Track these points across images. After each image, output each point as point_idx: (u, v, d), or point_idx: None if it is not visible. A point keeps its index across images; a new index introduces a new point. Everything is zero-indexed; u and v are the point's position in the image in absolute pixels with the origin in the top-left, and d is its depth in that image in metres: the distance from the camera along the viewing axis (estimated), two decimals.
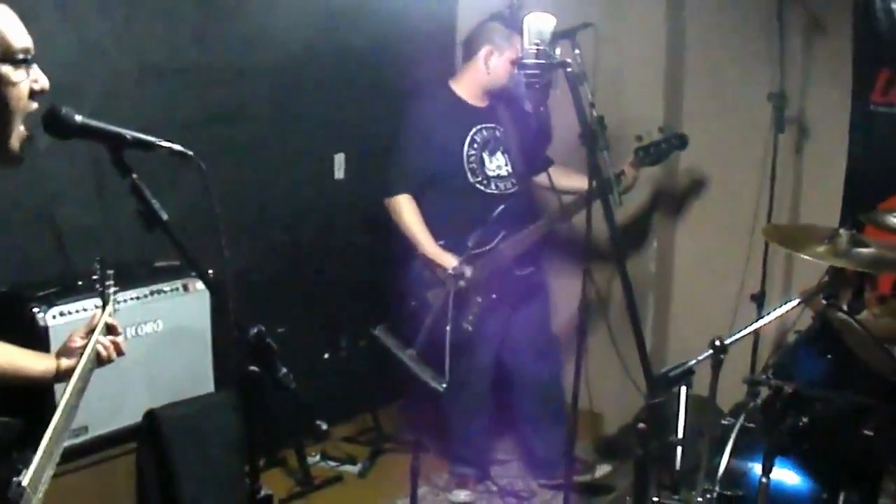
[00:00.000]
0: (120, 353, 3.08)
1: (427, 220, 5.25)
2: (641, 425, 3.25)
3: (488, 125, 5.34)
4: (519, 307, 5.43)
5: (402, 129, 5.40)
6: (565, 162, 5.53)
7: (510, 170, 5.35)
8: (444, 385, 3.80)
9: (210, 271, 2.80)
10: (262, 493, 2.71)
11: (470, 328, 5.13)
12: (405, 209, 5.24)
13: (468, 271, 5.01)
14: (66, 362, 3.01)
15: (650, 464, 3.89)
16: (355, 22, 5.82)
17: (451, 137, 5.25)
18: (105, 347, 3.02)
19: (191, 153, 2.52)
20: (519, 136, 5.35)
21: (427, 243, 5.18)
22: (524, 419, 5.67)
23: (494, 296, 5.19)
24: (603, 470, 5.56)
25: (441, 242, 5.16)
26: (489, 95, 5.34)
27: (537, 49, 3.70)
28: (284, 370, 2.64)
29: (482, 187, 5.28)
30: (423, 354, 3.92)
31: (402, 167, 5.31)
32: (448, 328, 4.10)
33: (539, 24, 3.75)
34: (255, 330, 2.60)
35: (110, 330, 3.07)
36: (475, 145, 5.26)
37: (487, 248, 5.15)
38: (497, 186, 5.31)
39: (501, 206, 5.10)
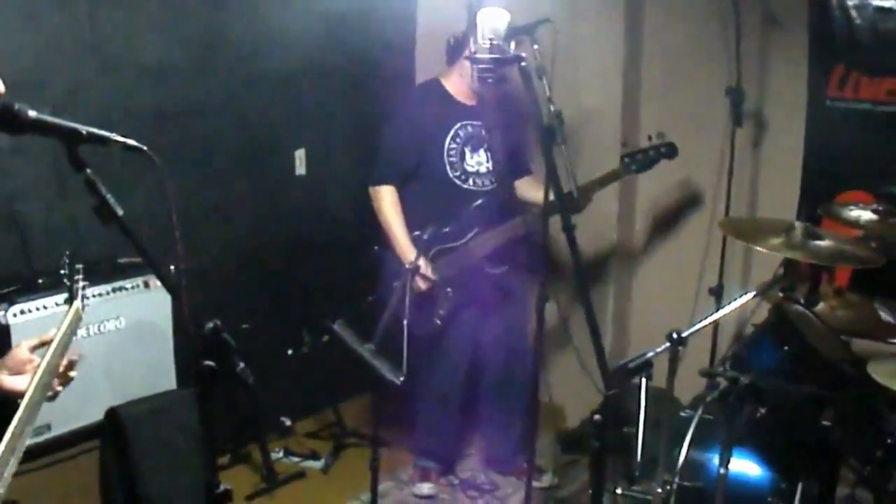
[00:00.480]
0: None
1: (404, 211, 5.27)
2: (597, 417, 3.27)
3: (474, 122, 5.34)
4: (493, 307, 5.43)
5: (390, 118, 5.43)
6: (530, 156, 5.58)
7: (490, 167, 5.37)
8: (402, 378, 3.82)
9: (172, 267, 2.78)
10: (221, 488, 2.71)
11: (440, 322, 5.18)
12: (386, 200, 5.25)
13: (426, 267, 5.03)
14: (8, 380, 2.99)
15: (609, 455, 3.93)
16: (315, 20, 5.82)
17: (435, 130, 5.26)
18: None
19: (145, 148, 2.52)
20: (502, 136, 5.37)
21: (401, 237, 5.19)
22: (490, 418, 5.69)
23: (459, 291, 5.21)
24: (546, 480, 5.58)
25: (417, 233, 5.17)
26: (479, 95, 5.35)
27: (491, 44, 3.72)
28: (242, 365, 2.64)
29: (459, 182, 5.29)
30: (391, 347, 3.94)
31: (387, 157, 5.32)
32: (405, 322, 4.11)
33: (493, 19, 3.77)
34: (211, 325, 2.57)
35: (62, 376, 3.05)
36: (457, 140, 5.27)
37: (458, 243, 5.18)
38: (475, 183, 5.32)
39: (478, 202, 5.14)
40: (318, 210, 6.05)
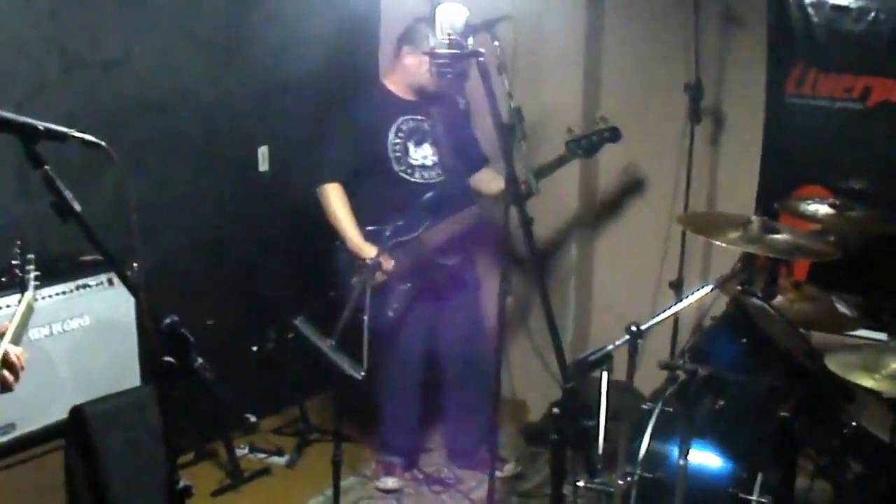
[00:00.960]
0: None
1: (355, 208, 5.31)
2: (556, 410, 3.30)
3: (416, 117, 5.38)
4: (448, 298, 5.48)
5: (331, 119, 5.47)
6: (489, 152, 5.61)
7: (435, 160, 5.41)
8: (363, 373, 3.85)
9: (135, 264, 2.79)
10: (181, 484, 2.72)
11: (393, 314, 5.24)
12: (332, 198, 5.29)
13: (387, 263, 5.07)
14: None
15: (571, 448, 3.96)
16: (279, 16, 5.84)
17: (377, 126, 5.30)
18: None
19: (103, 143, 2.53)
20: (447, 130, 5.41)
21: (351, 233, 5.23)
22: (450, 411, 5.73)
23: (416, 283, 5.25)
24: (509, 470, 5.63)
25: (370, 228, 5.20)
26: (420, 91, 5.39)
27: (450, 39, 3.74)
28: (200, 360, 2.64)
29: (406, 176, 5.33)
30: (348, 344, 3.97)
31: (330, 156, 5.35)
32: (366, 318, 4.13)
33: (451, 14, 3.80)
34: (169, 320, 2.58)
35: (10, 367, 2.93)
36: (400, 135, 5.31)
37: (410, 236, 5.22)
38: (422, 175, 5.37)
39: (429, 194, 5.17)
40: (282, 206, 6.06)
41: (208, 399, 3.02)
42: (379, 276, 5.02)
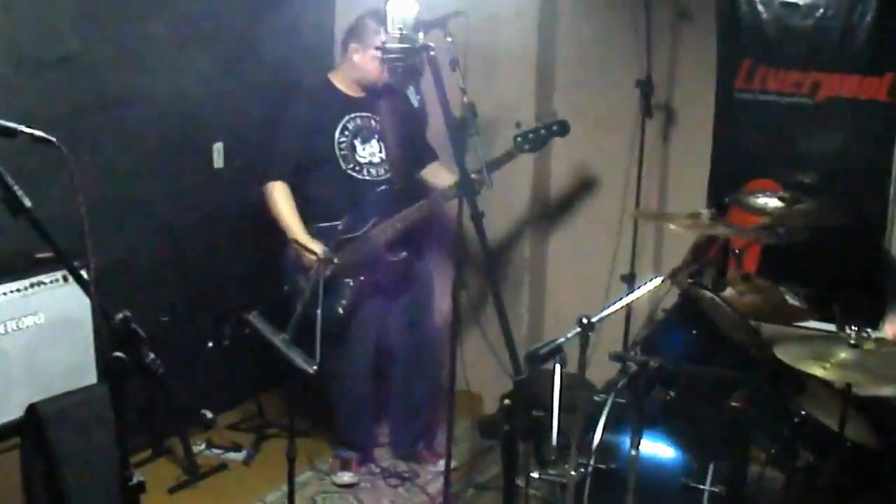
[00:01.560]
0: None
1: (304, 206, 5.34)
2: (507, 402, 3.33)
3: (363, 114, 5.41)
4: (398, 294, 5.50)
5: (279, 118, 5.48)
6: (442, 147, 5.62)
7: (383, 157, 5.44)
8: (315, 367, 3.87)
9: (90, 263, 2.79)
10: (135, 479, 2.73)
11: (342, 311, 5.26)
12: (277, 196, 5.32)
13: (335, 258, 5.09)
14: None
15: (526, 440, 4.01)
16: (233, 12, 5.84)
17: (323, 125, 5.33)
18: None
19: (53, 139, 2.54)
20: (394, 126, 5.43)
21: (297, 230, 5.26)
22: (395, 404, 5.75)
23: (364, 279, 5.28)
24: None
25: (321, 225, 5.23)
26: (367, 87, 5.42)
27: (401, 34, 3.77)
28: (152, 356, 2.64)
29: (354, 173, 5.36)
30: (302, 339, 3.99)
31: (275, 155, 5.40)
32: (318, 313, 4.15)
33: (402, 9, 3.82)
34: (121, 316, 2.59)
35: None
36: (346, 132, 5.34)
37: (358, 233, 5.24)
38: (370, 173, 5.39)
39: (380, 188, 5.20)
40: (237, 203, 6.05)
41: (162, 395, 3.03)
42: (327, 273, 5.05)
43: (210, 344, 5.65)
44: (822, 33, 5.43)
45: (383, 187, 5.28)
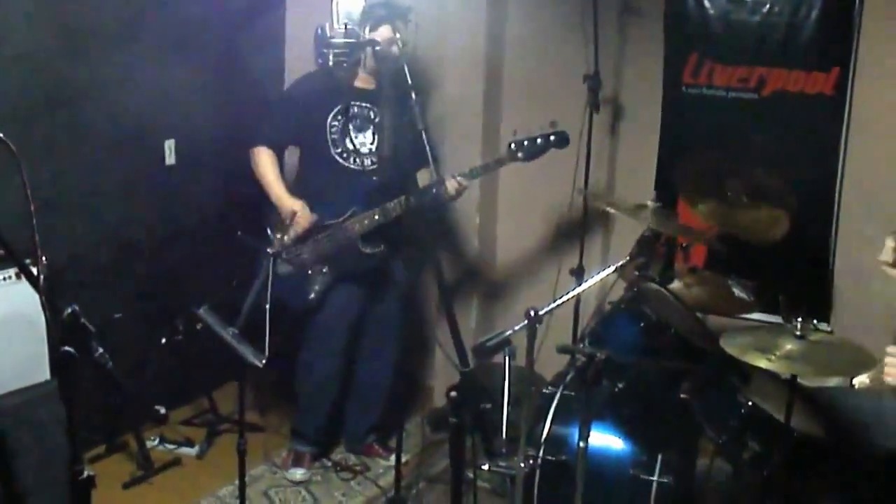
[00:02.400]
0: None
1: (292, 185, 5.33)
2: (453, 394, 3.35)
3: (363, 104, 5.33)
4: (370, 289, 5.45)
5: (284, 91, 5.54)
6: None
7: (372, 149, 5.36)
8: (263, 361, 3.88)
9: (44, 258, 2.80)
10: (85, 474, 2.74)
11: (314, 296, 5.21)
12: (261, 160, 5.29)
13: (303, 209, 5.12)
14: None
15: (477, 433, 4.03)
16: (185, 9, 5.82)
17: (318, 106, 5.27)
18: None
19: (2, 137, 2.55)
20: (393, 122, 5.32)
21: (277, 189, 5.23)
22: (353, 395, 5.74)
23: (332, 268, 5.22)
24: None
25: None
26: (379, 80, 5.31)
27: (346, 28, 3.76)
28: (101, 350, 2.65)
29: (341, 160, 5.28)
30: (259, 331, 3.99)
31: (265, 121, 5.39)
32: (268, 306, 4.14)
33: (347, 4, 3.82)
34: (69, 310, 2.60)
35: None
36: (339, 118, 5.27)
37: (335, 221, 5.20)
38: (356, 161, 5.29)
39: (365, 179, 5.18)
40: (189, 199, 6.04)
41: (112, 389, 3.03)
42: (300, 220, 5.06)
43: (163, 340, 5.64)
44: (769, 28, 5.50)
45: (370, 178, 5.23)
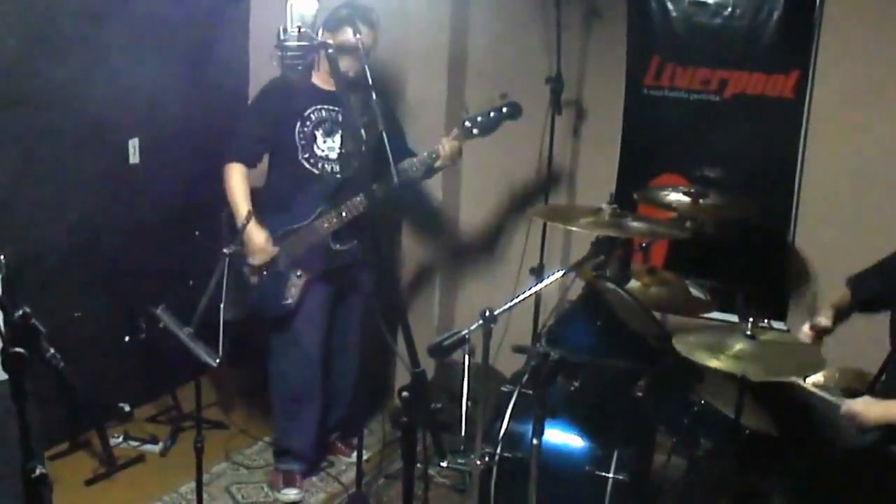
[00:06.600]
0: None
1: (260, 191, 5.32)
2: (405, 394, 3.38)
3: (329, 107, 5.29)
4: (346, 287, 5.43)
5: (251, 102, 5.51)
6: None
7: (342, 152, 5.32)
8: (218, 360, 3.91)
9: (2, 257, 2.82)
10: (38, 472, 2.76)
11: (290, 301, 5.19)
12: (232, 177, 5.23)
13: (259, 233, 5.11)
14: None
15: (436, 431, 4.07)
16: (149, 7, 5.83)
17: (287, 112, 5.23)
18: None
19: None
20: (356, 120, 5.27)
21: (243, 210, 5.11)
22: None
23: (306, 271, 5.20)
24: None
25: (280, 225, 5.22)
26: (339, 81, 5.25)
27: (299, 31, 3.77)
28: (52, 351, 2.67)
29: (309, 165, 5.24)
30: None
31: (236, 135, 5.34)
32: (222, 305, 4.16)
33: (301, 6, 3.82)
34: (21, 312, 2.61)
35: None
36: (308, 123, 5.24)
37: (304, 223, 5.19)
38: (324, 168, 5.27)
39: (327, 182, 5.19)
40: (152, 198, 6.04)
41: (68, 389, 3.05)
42: (256, 254, 5.11)
43: (126, 338, 5.65)
44: (730, 32, 5.57)
45: (335, 177, 5.23)
